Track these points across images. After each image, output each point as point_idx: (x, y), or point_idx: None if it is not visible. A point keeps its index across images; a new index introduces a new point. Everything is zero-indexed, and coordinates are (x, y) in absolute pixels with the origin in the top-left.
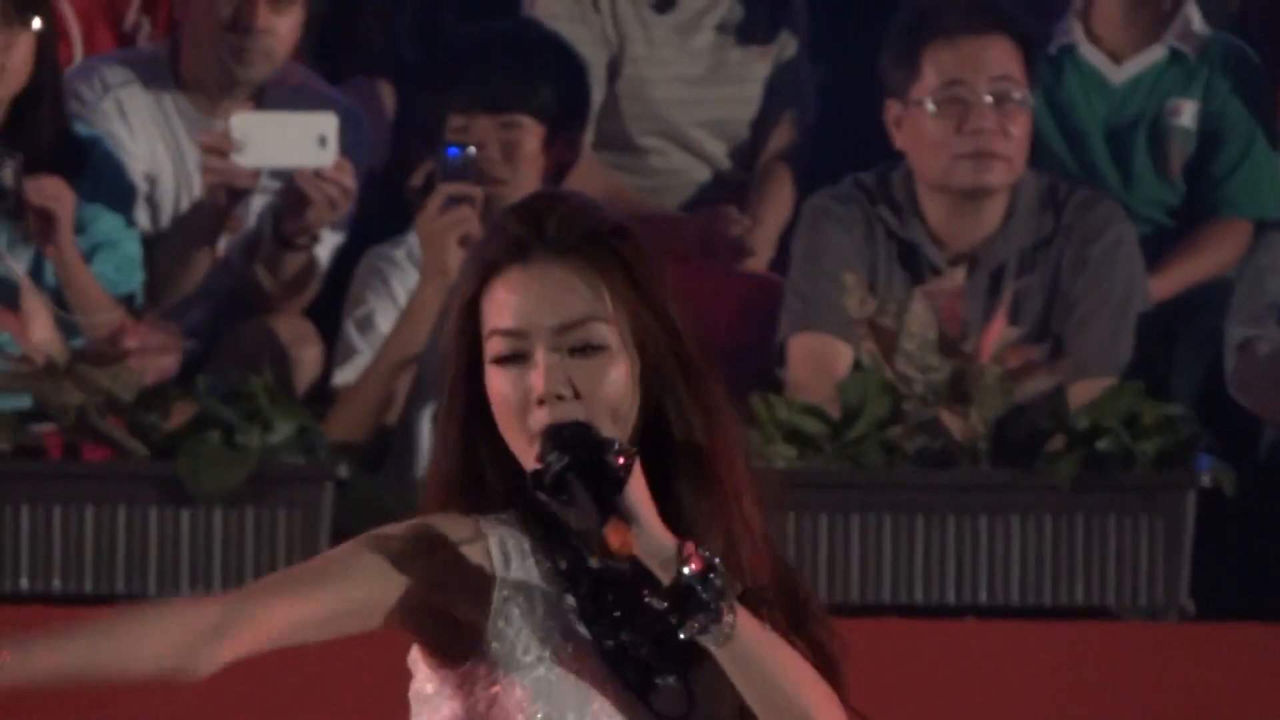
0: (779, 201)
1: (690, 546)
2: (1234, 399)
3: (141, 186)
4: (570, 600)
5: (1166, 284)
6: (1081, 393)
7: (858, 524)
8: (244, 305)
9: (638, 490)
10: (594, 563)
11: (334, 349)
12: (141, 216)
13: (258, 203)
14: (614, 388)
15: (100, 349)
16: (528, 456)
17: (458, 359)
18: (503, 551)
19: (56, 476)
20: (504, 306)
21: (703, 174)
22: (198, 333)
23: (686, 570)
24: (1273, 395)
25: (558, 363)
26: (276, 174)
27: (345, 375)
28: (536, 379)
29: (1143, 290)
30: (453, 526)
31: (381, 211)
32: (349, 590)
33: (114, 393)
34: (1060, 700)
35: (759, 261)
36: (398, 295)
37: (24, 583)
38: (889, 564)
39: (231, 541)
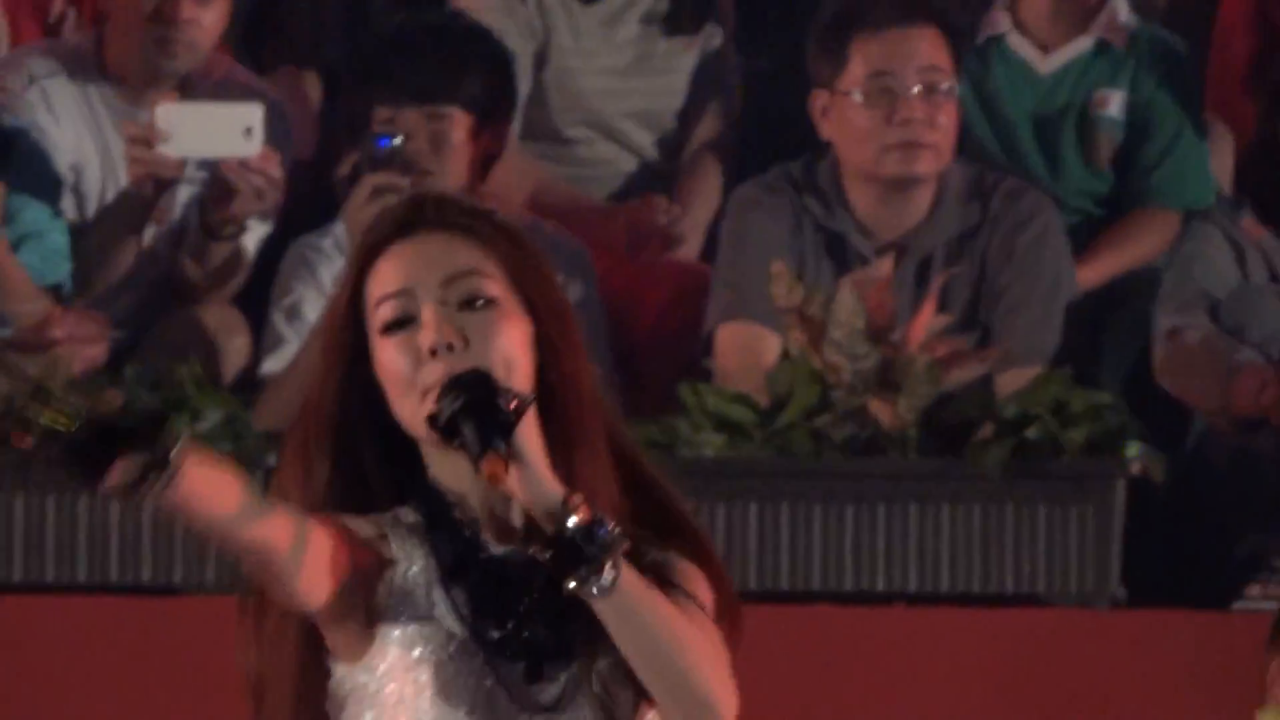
0: (707, 191)
1: (578, 498)
2: (1162, 387)
3: (68, 177)
4: (450, 598)
5: (1095, 272)
6: (1010, 381)
7: (787, 512)
8: (171, 295)
9: (530, 436)
10: (494, 549)
11: (261, 338)
12: (68, 207)
13: (184, 193)
14: (506, 339)
15: (27, 338)
16: (420, 418)
17: (339, 362)
18: (402, 549)
19: None
20: (388, 274)
21: (630, 164)
22: (125, 322)
23: (571, 521)
24: (1200, 383)
25: (447, 315)
26: (203, 165)
27: (273, 364)
28: (426, 333)
29: (1070, 279)
30: (361, 524)
31: (309, 202)
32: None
33: (42, 381)
34: (990, 687)
35: (688, 251)
36: (325, 284)
37: None
38: (819, 551)
39: (161, 529)
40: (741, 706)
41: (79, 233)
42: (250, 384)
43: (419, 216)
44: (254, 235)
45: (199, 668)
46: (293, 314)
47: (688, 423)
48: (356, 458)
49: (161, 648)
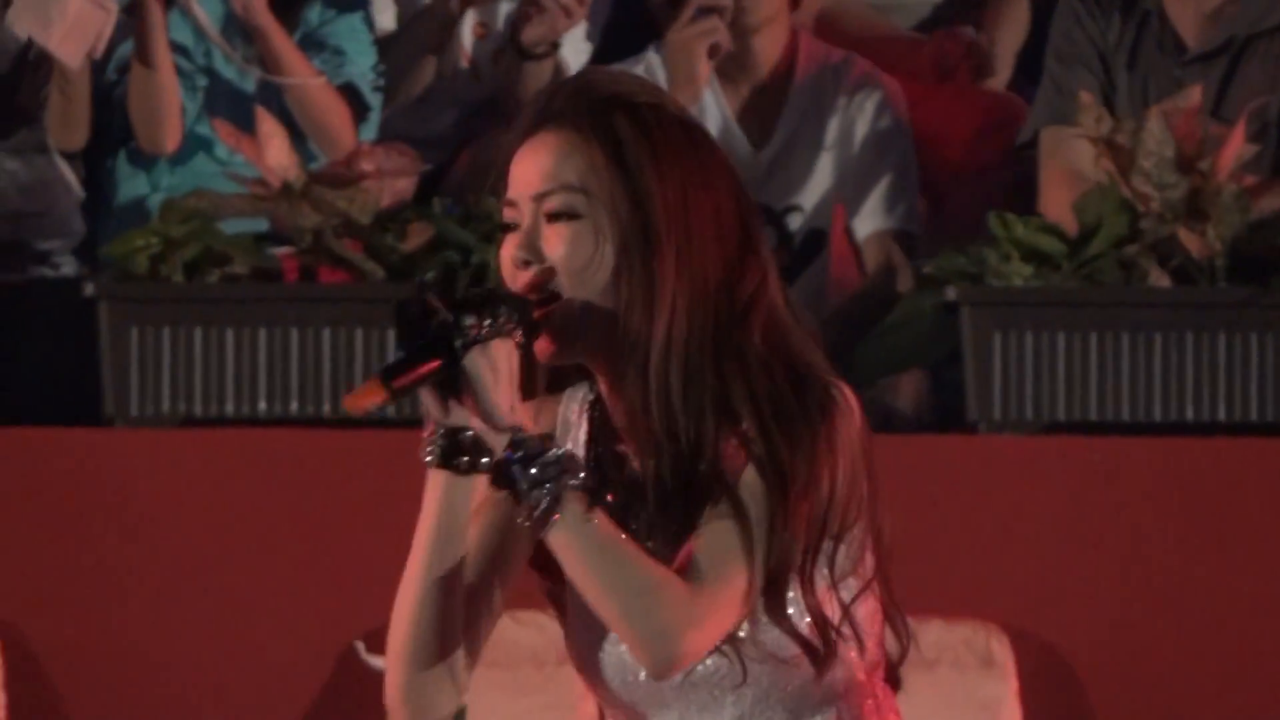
0: (1015, 19)
1: (525, 429)
2: None
3: None
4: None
5: None
6: None
7: (1095, 342)
8: (492, 114)
9: (495, 362)
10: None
11: None
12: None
13: (507, 9)
14: (579, 255)
15: (336, 171)
16: None
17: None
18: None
19: (293, 299)
20: (509, 177)
21: None
22: (447, 141)
23: (513, 454)
24: None
25: (532, 228)
26: None
27: None
28: (511, 245)
29: None
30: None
31: (627, 25)
32: None
33: (350, 215)
34: None
35: (997, 81)
36: None
37: (262, 406)
38: (1127, 382)
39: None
40: (1056, 535)
41: (385, 44)
42: None
43: (548, 110)
44: (579, 59)
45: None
46: None
47: (996, 253)
48: None
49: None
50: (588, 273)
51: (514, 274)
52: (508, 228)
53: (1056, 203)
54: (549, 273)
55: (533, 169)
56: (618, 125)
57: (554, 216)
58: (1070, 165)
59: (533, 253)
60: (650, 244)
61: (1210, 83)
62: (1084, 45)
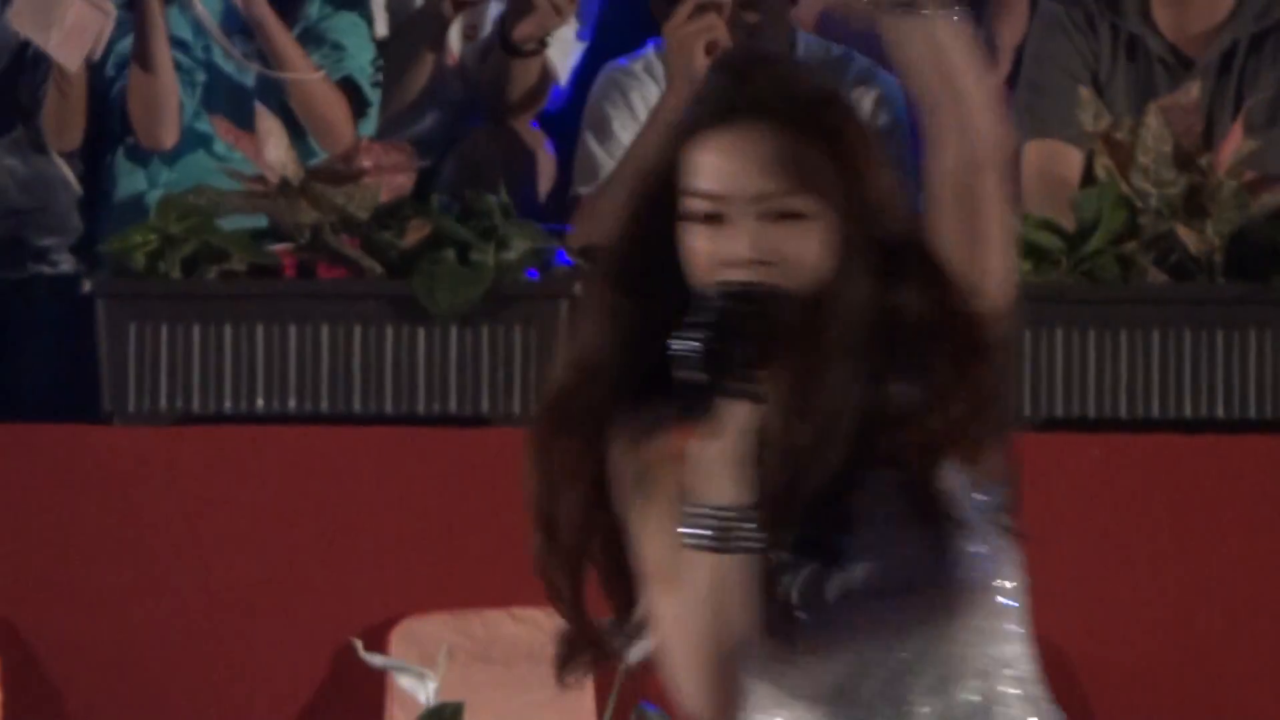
0: (1015, 13)
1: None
2: None
3: None
4: None
5: None
6: None
7: (1094, 338)
8: (478, 114)
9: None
10: None
11: (573, 161)
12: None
13: (494, 11)
14: (810, 256)
15: (335, 168)
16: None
17: (643, 219)
18: None
19: (292, 295)
20: (704, 168)
21: None
22: (431, 142)
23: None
24: None
25: (756, 228)
26: None
27: (586, 186)
28: (734, 243)
29: None
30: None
31: (623, 22)
32: None
33: (349, 211)
34: None
35: (997, 77)
36: (637, 108)
37: (260, 402)
38: (1125, 378)
39: (467, 359)
40: (1052, 532)
41: (381, 46)
42: (559, 207)
43: (741, 99)
44: (568, 56)
45: (508, 497)
46: (605, 136)
47: None
48: (657, 302)
49: (467, 478)
50: (817, 270)
51: (714, 269)
52: (707, 218)
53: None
54: (775, 273)
55: (751, 166)
56: (828, 118)
57: (781, 216)
58: (1054, 174)
59: (762, 253)
60: (872, 234)
61: (1210, 81)
62: (1072, 60)
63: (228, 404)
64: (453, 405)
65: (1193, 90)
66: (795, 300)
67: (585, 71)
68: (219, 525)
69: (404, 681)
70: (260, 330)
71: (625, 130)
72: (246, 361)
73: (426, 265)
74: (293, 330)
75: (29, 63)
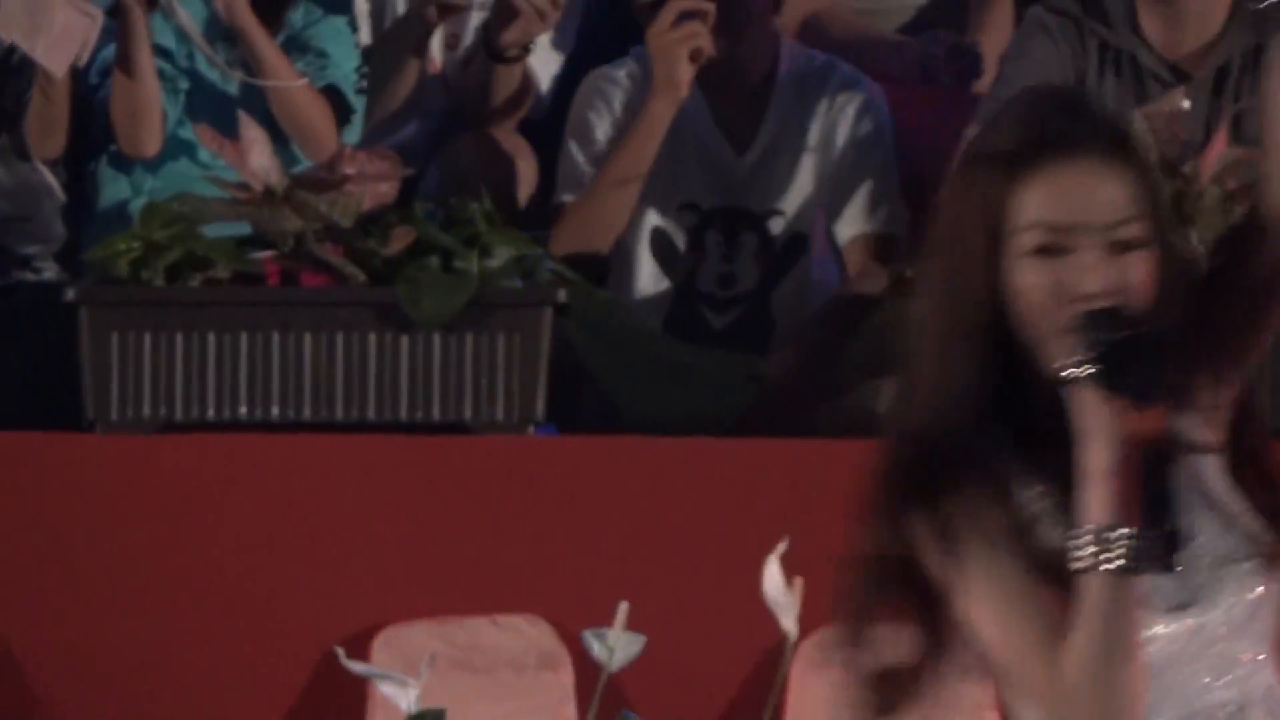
0: (999, 22)
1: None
2: None
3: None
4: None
5: None
6: None
7: None
8: (461, 122)
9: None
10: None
11: (555, 169)
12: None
13: (475, 19)
14: (1149, 283)
15: (318, 175)
16: (1051, 350)
17: (974, 256)
18: None
19: (275, 303)
20: (1046, 200)
21: None
22: (414, 150)
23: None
24: None
25: (1104, 259)
26: None
27: (569, 194)
28: (1088, 278)
29: None
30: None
31: (604, 29)
32: None
33: (332, 219)
34: None
35: (983, 83)
36: (619, 115)
37: (243, 410)
38: None
39: (450, 367)
40: None
41: (365, 54)
42: (542, 214)
43: (1073, 133)
44: (549, 65)
45: (490, 504)
46: (588, 142)
47: None
48: (994, 358)
49: (450, 485)
50: (1149, 297)
51: (1062, 301)
52: (1046, 251)
53: None
54: (1120, 301)
55: (1092, 199)
56: (1140, 148)
57: (1130, 245)
58: None
59: (1112, 281)
60: (1183, 259)
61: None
62: (1052, 61)
63: (210, 412)
64: (436, 413)
65: (1178, 98)
66: (1155, 322)
67: (567, 79)
68: (201, 533)
69: (386, 689)
70: (244, 338)
71: (607, 137)
72: (229, 369)
73: (410, 273)
74: (276, 338)
75: (13, 69)
